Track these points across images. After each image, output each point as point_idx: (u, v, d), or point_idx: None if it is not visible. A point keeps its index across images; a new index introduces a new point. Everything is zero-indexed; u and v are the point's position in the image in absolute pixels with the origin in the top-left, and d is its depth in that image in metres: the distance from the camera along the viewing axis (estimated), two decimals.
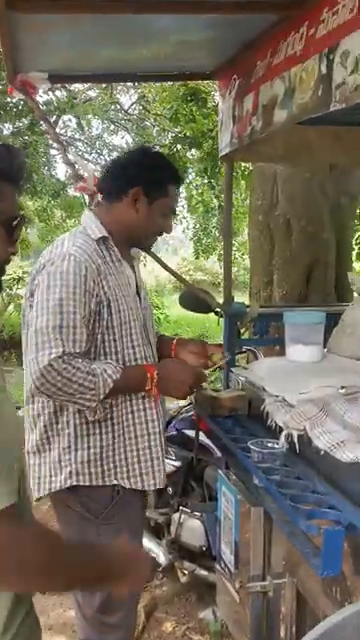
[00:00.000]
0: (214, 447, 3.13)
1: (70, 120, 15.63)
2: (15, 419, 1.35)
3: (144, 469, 2.23)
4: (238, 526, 2.22)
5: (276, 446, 2.04)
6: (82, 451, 2.14)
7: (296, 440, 1.99)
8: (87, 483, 2.15)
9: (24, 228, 1.56)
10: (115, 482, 2.18)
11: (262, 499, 1.96)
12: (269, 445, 2.04)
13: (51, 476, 2.17)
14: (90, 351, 2.11)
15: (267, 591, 2.19)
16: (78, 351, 2.01)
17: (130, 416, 2.21)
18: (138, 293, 2.32)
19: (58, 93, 12.73)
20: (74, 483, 2.14)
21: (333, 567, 1.54)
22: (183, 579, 3.46)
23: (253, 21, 2.24)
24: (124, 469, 2.20)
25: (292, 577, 2.07)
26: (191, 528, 3.42)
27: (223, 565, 2.43)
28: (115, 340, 2.15)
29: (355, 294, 2.97)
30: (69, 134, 16.46)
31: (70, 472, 2.14)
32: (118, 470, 2.19)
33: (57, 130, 15.47)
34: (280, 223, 4.93)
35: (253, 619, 2.28)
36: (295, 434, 1.99)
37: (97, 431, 2.16)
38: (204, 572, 3.36)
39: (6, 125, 13.82)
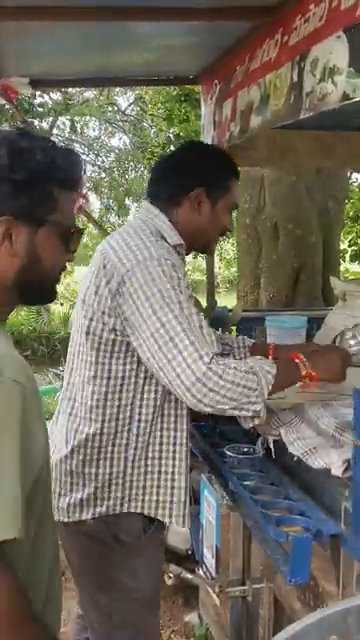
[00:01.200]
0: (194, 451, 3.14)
1: (65, 123, 15.68)
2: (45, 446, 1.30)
3: (168, 497, 2.05)
4: (219, 531, 2.22)
5: (252, 451, 2.04)
6: (104, 477, 1.96)
7: (272, 446, 1.99)
8: (109, 511, 1.97)
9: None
10: (139, 510, 1.99)
11: (238, 504, 1.97)
12: (245, 450, 2.04)
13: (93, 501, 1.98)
14: None
15: (246, 596, 2.20)
16: (220, 351, 1.88)
17: (158, 434, 2.01)
18: None
19: (53, 95, 12.76)
20: (90, 517, 1.96)
21: (302, 574, 1.55)
22: (169, 582, 3.46)
23: (232, 27, 2.26)
24: (153, 495, 2.02)
25: (269, 582, 2.08)
26: (177, 531, 3.41)
27: (205, 569, 2.43)
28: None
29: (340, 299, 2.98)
30: (66, 135, 16.51)
31: (88, 499, 1.96)
32: (147, 498, 2.01)
33: (54, 132, 15.54)
34: (267, 226, 4.96)
35: (233, 623, 2.30)
36: (271, 440, 2.00)
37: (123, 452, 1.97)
38: (189, 575, 3.36)
39: (4, 125, 13.86)
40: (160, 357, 1.73)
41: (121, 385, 1.91)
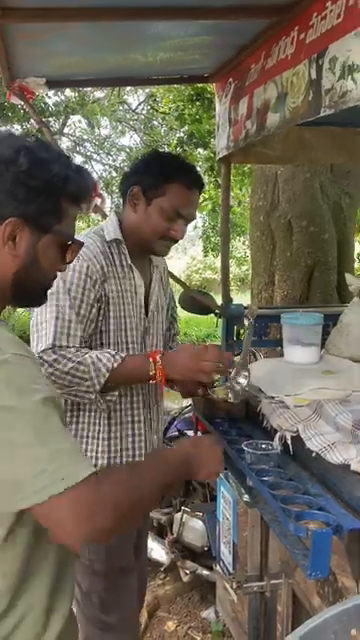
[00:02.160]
0: None
1: (80, 121, 15.71)
2: None
3: (125, 456, 2.18)
4: (236, 527, 2.23)
5: (270, 448, 2.05)
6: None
7: (289, 442, 2.00)
8: None
9: None
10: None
11: (256, 500, 1.98)
12: (263, 447, 2.05)
13: None
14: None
15: (264, 591, 2.21)
16: (71, 345, 1.97)
17: (119, 413, 2.16)
18: (147, 304, 2.26)
19: (68, 93, 12.79)
20: None
21: (321, 569, 1.55)
22: (185, 579, 3.48)
23: (247, 26, 2.26)
24: (105, 454, 2.15)
25: (287, 578, 2.09)
26: (193, 528, 3.44)
27: (222, 565, 2.45)
28: (109, 345, 2.11)
29: (355, 296, 2.97)
30: (77, 134, 16.55)
31: None
32: (99, 456, 2.14)
33: (65, 130, 15.59)
34: (281, 223, 4.95)
35: (251, 619, 2.31)
36: (289, 436, 2.01)
37: (83, 420, 2.14)
38: (206, 572, 3.38)
39: (15, 126, 13.91)
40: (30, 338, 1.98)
41: None
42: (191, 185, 2.13)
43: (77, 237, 1.84)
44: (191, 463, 1.53)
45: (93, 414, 2.13)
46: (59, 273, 1.71)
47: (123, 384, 2.07)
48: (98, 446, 2.14)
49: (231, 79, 2.71)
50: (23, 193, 1.25)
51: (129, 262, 2.15)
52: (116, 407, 2.14)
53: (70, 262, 1.42)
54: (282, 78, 2.12)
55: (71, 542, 1.20)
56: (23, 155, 1.24)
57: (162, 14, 2.05)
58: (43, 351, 1.92)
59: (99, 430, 2.14)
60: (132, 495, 1.27)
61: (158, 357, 2.02)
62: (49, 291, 1.87)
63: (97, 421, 2.14)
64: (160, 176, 2.08)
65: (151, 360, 2.02)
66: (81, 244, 1.43)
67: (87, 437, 2.14)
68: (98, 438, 2.14)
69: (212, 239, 13.08)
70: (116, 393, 2.06)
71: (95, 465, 2.02)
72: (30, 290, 1.36)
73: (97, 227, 2.18)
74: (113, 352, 2.00)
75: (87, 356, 1.95)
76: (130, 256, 2.16)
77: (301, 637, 1.21)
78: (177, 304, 3.08)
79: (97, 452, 2.14)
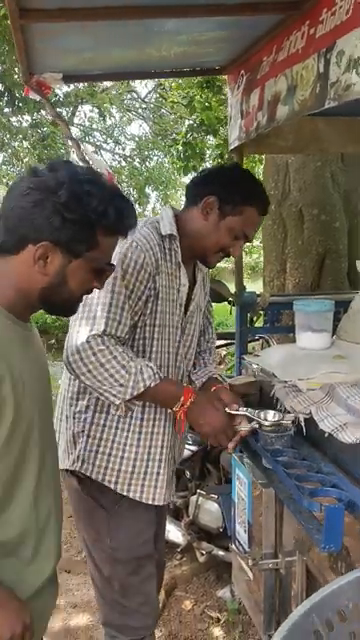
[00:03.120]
0: None
1: (92, 110, 15.73)
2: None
3: (148, 481, 2.18)
4: (251, 507, 2.30)
5: (281, 419, 2.11)
6: (93, 440, 2.14)
7: (303, 423, 2.08)
8: (90, 474, 2.16)
9: None
10: (112, 487, 2.16)
11: (271, 479, 2.06)
12: (277, 419, 2.11)
13: (67, 453, 2.18)
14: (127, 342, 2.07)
15: (279, 568, 2.29)
16: (120, 335, 1.96)
17: (151, 422, 2.16)
18: (187, 305, 2.27)
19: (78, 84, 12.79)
20: (77, 468, 2.16)
21: (334, 542, 1.63)
22: (201, 559, 3.57)
23: (260, 21, 2.30)
24: (127, 475, 2.17)
25: (302, 555, 2.16)
26: (208, 510, 3.52)
27: (238, 544, 2.52)
28: (153, 339, 2.12)
29: None
30: (87, 124, 16.59)
31: (78, 456, 2.16)
32: (121, 475, 2.16)
33: (75, 120, 15.65)
34: (292, 212, 5.00)
35: (266, 595, 2.39)
36: (302, 418, 2.08)
37: (114, 425, 2.14)
38: (221, 552, 3.47)
39: (25, 117, 13.96)
40: (76, 315, 1.89)
41: None
42: (264, 212, 2.21)
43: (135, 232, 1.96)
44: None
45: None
46: (117, 260, 1.86)
47: (147, 400, 2.07)
48: (127, 439, 2.17)
49: (243, 71, 2.77)
50: (58, 222, 1.40)
51: (179, 259, 2.15)
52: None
53: (101, 287, 1.57)
54: (292, 71, 2.18)
55: None
56: (65, 188, 1.39)
57: (177, 11, 2.11)
58: (93, 336, 1.90)
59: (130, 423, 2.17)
60: None
61: (189, 401, 2.00)
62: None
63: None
64: (240, 196, 2.12)
65: (182, 399, 2.01)
66: (112, 267, 1.58)
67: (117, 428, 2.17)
68: (129, 431, 2.16)
69: None
70: (139, 403, 2.06)
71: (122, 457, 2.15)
72: (56, 305, 1.52)
73: (152, 218, 2.18)
74: (156, 369, 1.97)
75: (132, 364, 1.93)
76: (181, 254, 2.17)
77: (314, 604, 1.29)
78: None
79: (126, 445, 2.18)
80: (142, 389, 1.93)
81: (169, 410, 2.09)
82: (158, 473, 2.19)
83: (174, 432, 2.23)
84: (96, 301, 1.94)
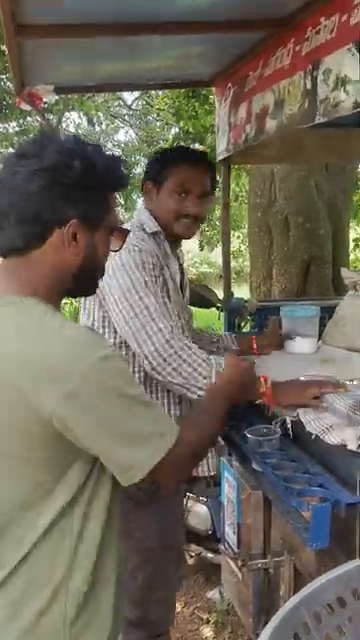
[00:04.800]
0: None
1: (81, 117, 15.74)
2: None
3: None
4: (240, 509, 2.35)
5: (271, 431, 2.17)
6: None
7: (289, 426, 2.14)
8: None
9: None
10: None
11: (260, 481, 2.12)
12: (264, 431, 2.18)
13: None
14: None
15: (267, 568, 2.34)
16: (179, 327, 2.06)
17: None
18: (182, 290, 2.37)
19: None
20: None
21: (322, 539, 1.69)
22: (190, 561, 3.61)
23: (245, 37, 2.39)
24: None
25: (290, 554, 2.22)
26: (197, 513, 3.57)
27: (227, 546, 2.57)
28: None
29: (350, 289, 3.10)
30: (72, 130, 16.59)
31: None
32: None
33: (62, 126, 15.65)
34: (278, 220, 5.09)
35: (255, 595, 2.43)
36: (289, 420, 2.15)
37: None
38: (210, 554, 3.51)
39: (12, 124, 13.96)
40: (134, 330, 1.99)
41: None
42: (191, 160, 2.24)
43: (130, 238, 1.90)
44: (231, 396, 1.79)
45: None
46: (136, 270, 1.99)
47: (227, 395, 2.04)
48: None
49: (230, 84, 2.84)
50: (80, 195, 1.32)
51: (168, 251, 2.25)
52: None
53: (118, 249, 1.51)
54: (279, 87, 2.25)
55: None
56: (77, 159, 1.30)
57: (166, 29, 2.18)
58: (168, 337, 1.97)
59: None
60: (206, 435, 1.56)
61: (268, 378, 2.08)
62: (134, 284, 2.02)
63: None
64: (162, 163, 2.23)
65: (262, 379, 2.06)
66: (126, 231, 1.52)
67: None
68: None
69: (207, 233, 13.12)
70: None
71: None
72: (89, 280, 1.46)
73: (135, 222, 2.25)
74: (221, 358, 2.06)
75: (212, 357, 2.01)
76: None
77: (304, 597, 1.35)
78: None
79: None
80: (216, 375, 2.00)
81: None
82: None
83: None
84: (146, 308, 2.01)
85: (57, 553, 1.34)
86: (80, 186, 1.31)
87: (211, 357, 2.02)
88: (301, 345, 2.72)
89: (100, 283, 1.57)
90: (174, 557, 2.37)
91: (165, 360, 1.97)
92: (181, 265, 2.41)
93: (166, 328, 1.98)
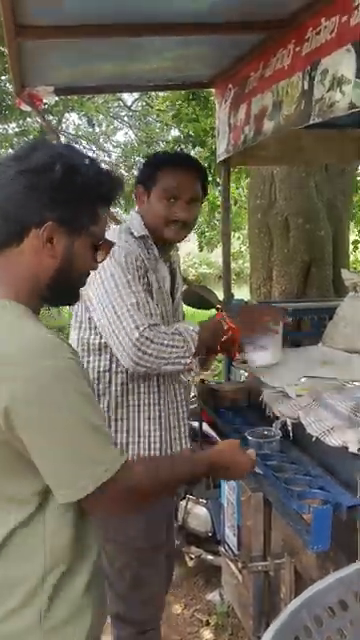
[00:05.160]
0: (217, 437, 3.27)
1: (81, 118, 15.74)
2: None
3: (164, 438, 2.27)
4: (240, 511, 2.36)
5: (272, 433, 2.18)
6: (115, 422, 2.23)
7: (290, 428, 2.14)
8: None
9: None
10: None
11: (261, 483, 2.12)
12: (265, 433, 2.18)
13: None
14: None
15: (268, 570, 2.34)
16: (157, 323, 2.11)
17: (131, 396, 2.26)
18: (173, 294, 2.40)
19: None
20: None
21: (323, 542, 1.69)
22: (190, 563, 3.60)
23: (246, 38, 2.38)
24: (144, 440, 2.25)
25: (290, 557, 2.21)
26: (197, 515, 3.56)
27: (227, 548, 2.57)
28: None
29: (350, 290, 3.10)
30: (72, 131, 16.60)
31: None
32: (141, 444, 2.24)
33: (62, 127, 15.65)
34: (278, 221, 5.08)
35: (255, 598, 2.43)
36: (289, 422, 2.15)
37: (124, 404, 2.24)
38: (210, 556, 3.50)
39: (11, 125, 13.96)
40: (111, 329, 2.08)
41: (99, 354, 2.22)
42: (179, 165, 2.25)
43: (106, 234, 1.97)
44: (216, 470, 1.70)
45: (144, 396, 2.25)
46: (119, 269, 1.98)
47: (204, 345, 2.21)
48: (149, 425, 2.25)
49: (231, 85, 2.83)
50: (60, 198, 1.35)
51: (156, 255, 2.26)
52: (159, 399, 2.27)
53: (102, 260, 1.52)
54: (278, 87, 2.25)
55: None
56: (59, 163, 1.33)
57: (166, 30, 2.18)
58: (142, 331, 2.04)
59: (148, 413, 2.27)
60: (155, 487, 1.45)
61: (225, 314, 2.29)
62: (117, 283, 2.07)
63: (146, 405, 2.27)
64: (152, 167, 2.25)
65: (219, 317, 2.28)
66: (112, 244, 1.52)
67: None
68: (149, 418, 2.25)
69: (207, 234, 13.12)
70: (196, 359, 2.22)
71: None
72: (67, 288, 1.47)
73: (124, 225, 2.28)
74: (188, 321, 2.26)
75: (176, 327, 2.16)
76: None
77: (305, 600, 1.35)
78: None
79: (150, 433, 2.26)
80: (196, 336, 2.15)
81: (224, 328, 2.27)
82: (151, 430, 2.27)
83: (181, 406, 2.35)
84: (125, 308, 2.07)
85: (30, 549, 1.35)
86: (60, 190, 1.34)
87: (176, 327, 2.14)
88: (258, 357, 2.58)
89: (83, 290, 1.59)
90: (160, 555, 2.37)
91: (145, 352, 2.04)
92: (173, 269, 2.42)
93: (142, 325, 2.04)
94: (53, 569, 1.36)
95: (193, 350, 2.13)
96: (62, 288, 1.44)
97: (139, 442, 2.24)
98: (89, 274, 1.51)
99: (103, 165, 1.46)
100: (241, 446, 1.78)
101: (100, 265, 1.94)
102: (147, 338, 2.04)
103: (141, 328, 2.04)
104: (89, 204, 1.40)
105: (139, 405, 2.24)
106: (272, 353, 2.56)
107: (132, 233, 2.23)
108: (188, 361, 2.14)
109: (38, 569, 1.35)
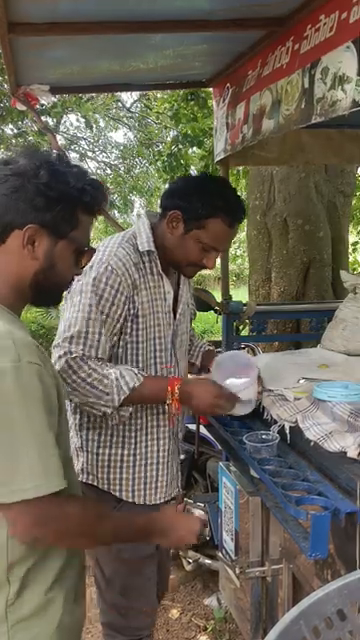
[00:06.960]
0: (215, 440, 3.25)
1: (78, 120, 15.74)
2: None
3: (149, 484, 2.23)
4: (238, 515, 2.32)
5: (269, 437, 2.14)
6: (92, 455, 2.19)
7: (288, 432, 2.10)
8: (96, 484, 2.20)
9: None
10: (117, 495, 2.20)
11: (258, 488, 2.08)
12: (263, 437, 2.15)
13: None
14: (111, 361, 2.10)
15: (265, 576, 2.31)
16: (100, 356, 2.01)
17: (143, 431, 2.20)
18: (175, 309, 2.27)
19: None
20: (84, 480, 2.19)
21: (321, 549, 1.65)
22: (188, 568, 3.58)
23: (244, 35, 2.35)
24: (129, 482, 2.21)
25: (288, 562, 2.18)
26: None
27: (225, 553, 2.54)
28: (138, 355, 2.13)
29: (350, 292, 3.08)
30: (72, 132, 16.60)
31: (82, 469, 2.20)
32: (124, 483, 2.20)
33: (61, 128, 15.64)
34: (277, 222, 5.06)
35: (253, 603, 2.40)
36: (287, 426, 2.11)
37: (107, 439, 2.18)
38: (208, 561, 3.48)
39: (9, 126, 13.93)
40: (59, 331, 2.02)
41: None
42: (233, 224, 2.13)
43: (108, 241, 2.03)
44: (151, 535, 1.67)
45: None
46: (91, 287, 1.94)
47: (138, 403, 2.11)
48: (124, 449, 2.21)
49: (229, 84, 2.80)
50: (42, 203, 1.40)
51: (159, 270, 2.15)
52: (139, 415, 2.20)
53: (84, 267, 1.56)
54: (277, 86, 2.22)
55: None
56: (44, 169, 1.40)
57: (164, 27, 2.15)
58: (72, 358, 1.96)
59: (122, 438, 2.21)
60: (77, 531, 1.44)
61: (177, 388, 2.04)
62: (82, 301, 2.01)
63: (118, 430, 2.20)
64: (204, 209, 2.06)
65: (169, 389, 2.05)
66: (94, 251, 1.57)
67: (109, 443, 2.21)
68: (123, 443, 2.20)
69: None
70: (130, 409, 2.09)
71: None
72: (48, 290, 1.51)
73: (129, 234, 2.17)
74: (136, 370, 2.03)
75: (112, 371, 1.99)
76: (161, 264, 2.17)
77: (302, 610, 1.31)
78: None
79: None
80: (128, 392, 1.99)
81: (167, 402, 2.08)
82: (158, 476, 2.25)
83: (171, 436, 2.27)
84: (74, 327, 1.99)
85: None
86: (44, 195, 1.40)
87: (111, 371, 1.99)
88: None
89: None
90: (151, 565, 2.34)
91: (65, 380, 1.95)
92: (179, 283, 2.33)
93: (74, 353, 1.97)
94: (18, 562, 1.39)
95: (116, 403, 1.99)
96: (43, 289, 1.49)
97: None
98: (73, 279, 1.56)
99: (92, 176, 1.51)
100: (186, 511, 1.75)
101: (86, 270, 1.92)
102: (70, 366, 1.96)
103: (73, 355, 1.96)
104: (71, 210, 1.45)
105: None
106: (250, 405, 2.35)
107: (135, 245, 2.12)
108: (108, 411, 2.02)
109: (2, 563, 1.38)
